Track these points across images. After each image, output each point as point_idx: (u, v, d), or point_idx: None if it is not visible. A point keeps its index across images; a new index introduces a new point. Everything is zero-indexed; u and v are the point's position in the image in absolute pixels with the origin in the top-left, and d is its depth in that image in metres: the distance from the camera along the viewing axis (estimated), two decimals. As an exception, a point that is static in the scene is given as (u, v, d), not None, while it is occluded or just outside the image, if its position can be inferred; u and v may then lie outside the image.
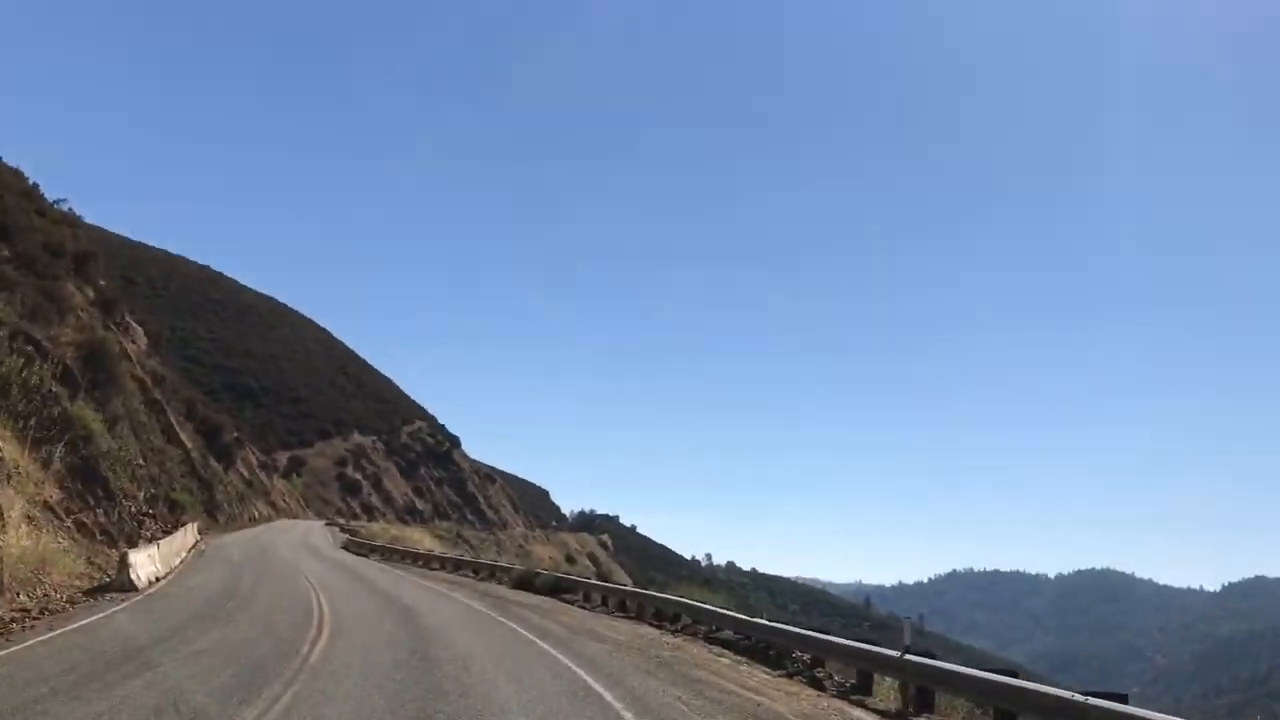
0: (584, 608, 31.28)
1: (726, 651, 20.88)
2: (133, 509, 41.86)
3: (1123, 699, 10.54)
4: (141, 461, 59.68)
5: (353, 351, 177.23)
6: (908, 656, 14.65)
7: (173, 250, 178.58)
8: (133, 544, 31.30)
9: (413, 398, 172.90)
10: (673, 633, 24.58)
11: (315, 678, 13.64)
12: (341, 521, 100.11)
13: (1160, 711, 9.99)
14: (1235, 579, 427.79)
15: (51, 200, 74.74)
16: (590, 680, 14.96)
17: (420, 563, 48.16)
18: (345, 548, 57.93)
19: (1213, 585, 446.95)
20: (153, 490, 57.47)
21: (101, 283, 74.99)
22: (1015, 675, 12.78)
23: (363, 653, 17.20)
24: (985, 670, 13.40)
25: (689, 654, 19.95)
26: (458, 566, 44.95)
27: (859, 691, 16.49)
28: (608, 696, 13.54)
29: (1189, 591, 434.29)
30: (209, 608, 23.22)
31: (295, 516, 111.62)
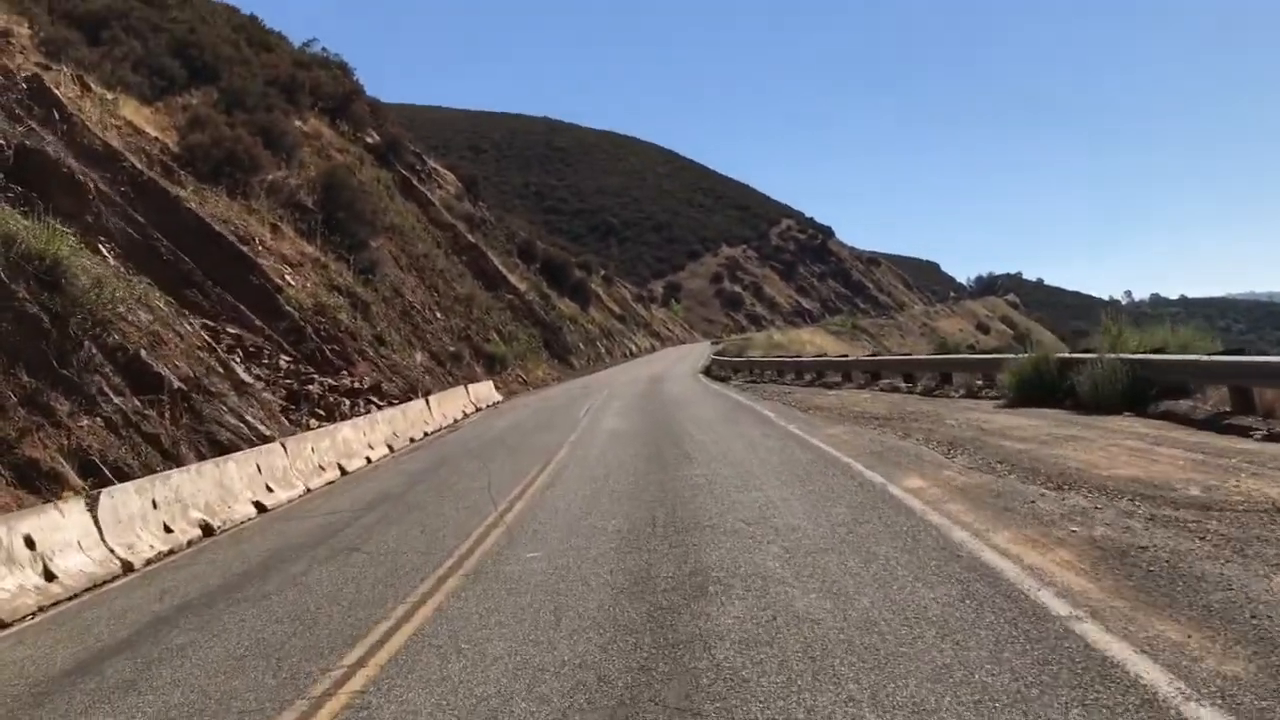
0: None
1: None
2: (330, 382, 23.44)
3: None
4: (435, 314, 42.52)
5: (702, 166, 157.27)
6: None
7: (510, 110, 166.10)
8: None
9: (774, 198, 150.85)
10: None
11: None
12: (729, 339, 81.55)
13: None
14: None
15: (302, 42, 59.22)
16: None
17: (809, 377, 26.73)
18: (707, 372, 37.81)
19: None
20: (450, 346, 40.15)
21: (386, 128, 59.00)
22: None
23: None
24: None
25: None
26: (875, 375, 22.99)
27: None
28: None
29: None
30: None
31: (682, 342, 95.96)
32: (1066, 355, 14.85)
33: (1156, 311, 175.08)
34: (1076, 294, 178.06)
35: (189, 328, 18.86)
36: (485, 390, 31.81)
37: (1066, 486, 7.93)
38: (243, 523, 12.71)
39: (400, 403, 24.49)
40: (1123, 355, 13.51)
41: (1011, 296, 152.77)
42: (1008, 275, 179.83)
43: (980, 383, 17.84)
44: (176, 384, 16.04)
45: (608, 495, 10.39)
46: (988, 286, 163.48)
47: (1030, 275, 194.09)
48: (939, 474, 9.36)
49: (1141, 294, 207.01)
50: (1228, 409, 11.71)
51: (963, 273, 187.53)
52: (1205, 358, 11.80)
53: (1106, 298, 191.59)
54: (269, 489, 14.10)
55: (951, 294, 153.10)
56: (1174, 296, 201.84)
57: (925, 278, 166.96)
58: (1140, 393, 12.88)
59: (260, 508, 13.48)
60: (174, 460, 14.58)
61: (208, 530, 12.02)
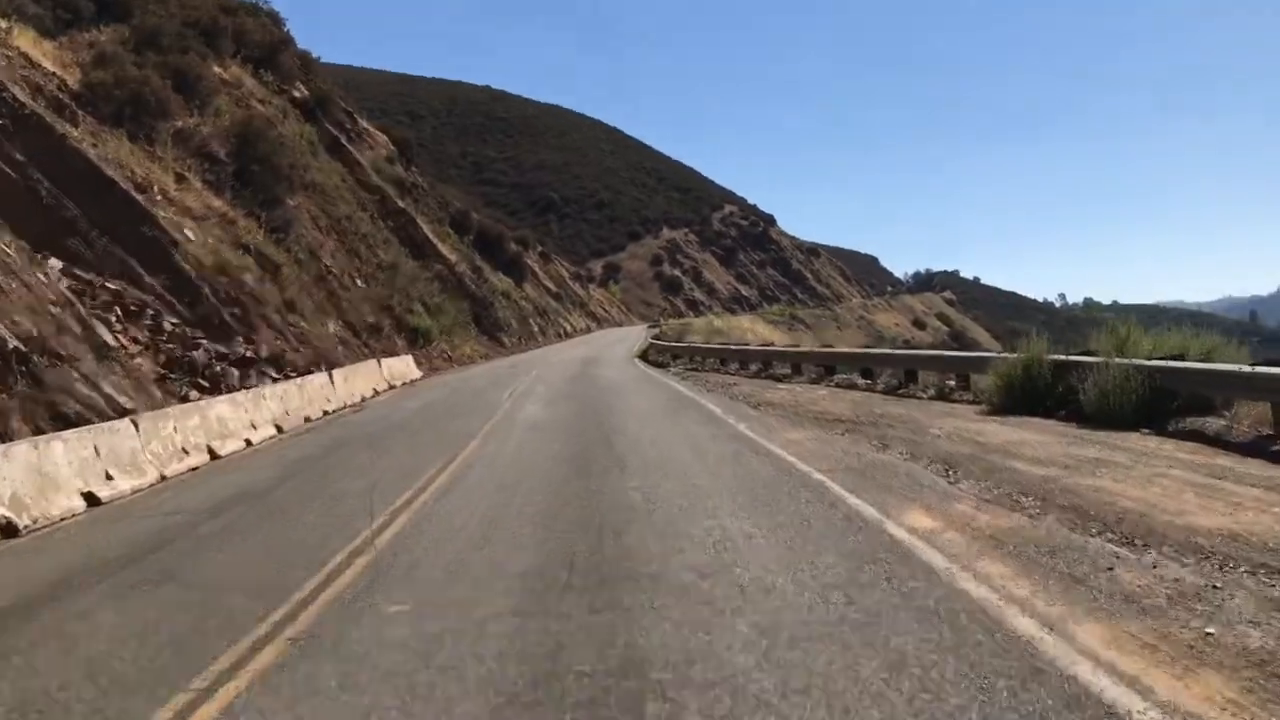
0: None
1: None
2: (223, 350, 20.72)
3: None
4: (355, 281, 39.63)
5: (647, 146, 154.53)
6: None
7: (450, 77, 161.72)
8: None
9: (718, 183, 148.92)
10: None
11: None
12: (668, 324, 79.34)
13: None
14: None
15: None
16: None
17: (755, 367, 24.63)
18: (643, 356, 35.59)
19: None
20: (369, 316, 37.31)
21: (315, 83, 55.52)
22: None
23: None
24: None
25: None
26: (829, 369, 20.87)
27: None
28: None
29: None
30: None
31: (619, 324, 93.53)
32: (1063, 358, 12.82)
33: (1090, 315, 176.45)
34: (1012, 294, 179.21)
35: (43, 278, 16.03)
36: (402, 366, 29.16)
37: (1139, 541, 5.79)
38: (62, 520, 10.13)
39: (302, 375, 21.82)
40: (1135, 361, 11.52)
41: (948, 294, 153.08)
42: (945, 272, 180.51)
43: (953, 383, 15.82)
44: (13, 344, 13.30)
45: (515, 514, 8.05)
46: (925, 283, 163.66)
47: (968, 273, 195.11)
48: (949, 508, 7.18)
49: (1075, 297, 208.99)
50: (1268, 431, 9.78)
51: (901, 268, 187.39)
52: (1249, 369, 9.82)
53: (1040, 299, 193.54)
54: (109, 476, 11.50)
55: (889, 288, 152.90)
56: (1107, 301, 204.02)
57: (864, 271, 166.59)
58: (1160, 406, 10.91)
59: (93, 500, 10.88)
60: (0, 437, 11.91)
61: (9, 531, 9.43)
